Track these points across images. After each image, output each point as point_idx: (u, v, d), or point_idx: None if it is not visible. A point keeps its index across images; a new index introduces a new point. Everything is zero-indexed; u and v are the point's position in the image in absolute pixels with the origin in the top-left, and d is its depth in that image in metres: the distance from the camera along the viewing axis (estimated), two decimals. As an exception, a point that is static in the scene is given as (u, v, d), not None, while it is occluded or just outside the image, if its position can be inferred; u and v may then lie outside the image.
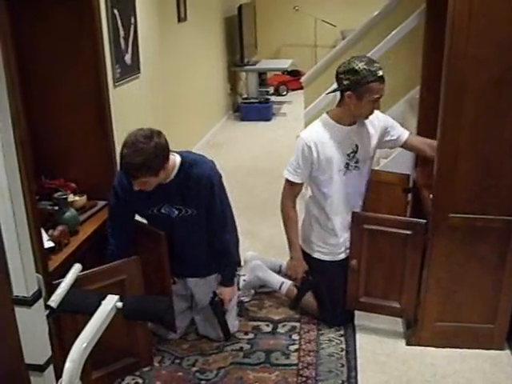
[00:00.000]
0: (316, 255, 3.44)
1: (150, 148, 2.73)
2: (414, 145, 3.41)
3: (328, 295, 3.46)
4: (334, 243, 3.39)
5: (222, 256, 3.25)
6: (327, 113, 3.29)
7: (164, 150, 2.82)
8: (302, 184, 3.33)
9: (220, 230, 3.18)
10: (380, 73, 3.03)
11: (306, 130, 3.31)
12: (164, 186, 2.97)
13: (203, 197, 3.04)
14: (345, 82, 3.07)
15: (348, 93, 3.07)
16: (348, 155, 3.24)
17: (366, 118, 3.23)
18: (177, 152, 3.04)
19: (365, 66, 3.01)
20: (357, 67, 3.02)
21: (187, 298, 3.43)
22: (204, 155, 3.21)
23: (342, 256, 3.40)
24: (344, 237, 3.37)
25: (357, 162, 3.27)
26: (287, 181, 3.31)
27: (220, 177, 3.12)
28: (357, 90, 3.04)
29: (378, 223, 3.21)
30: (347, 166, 3.25)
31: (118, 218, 3.07)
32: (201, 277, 3.33)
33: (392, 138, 3.40)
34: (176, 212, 3.08)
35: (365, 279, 3.31)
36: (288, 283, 3.70)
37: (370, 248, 3.25)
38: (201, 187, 3.01)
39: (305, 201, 3.50)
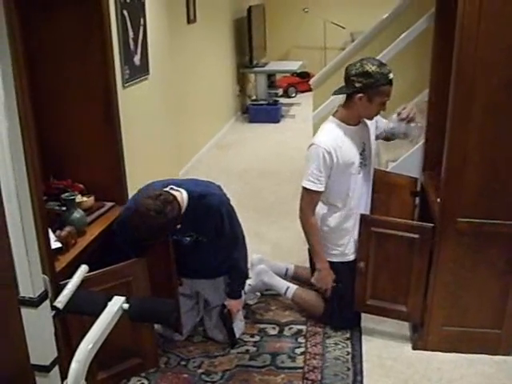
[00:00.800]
0: (328, 258, 3.41)
1: (160, 223, 2.75)
2: (384, 124, 3.45)
3: (336, 297, 3.45)
4: (345, 243, 3.38)
5: (231, 271, 3.32)
6: (333, 115, 3.28)
7: (174, 222, 2.83)
8: (321, 192, 3.26)
9: (230, 249, 3.24)
10: (391, 76, 3.04)
11: (319, 136, 3.24)
12: None
13: (213, 226, 3.11)
14: (357, 85, 3.06)
15: (359, 95, 3.07)
16: (361, 154, 3.27)
17: (371, 119, 3.26)
18: (182, 183, 3.08)
19: (377, 69, 3.02)
20: (370, 70, 3.02)
21: (193, 297, 3.44)
22: (210, 182, 3.25)
23: (352, 257, 3.40)
24: (354, 237, 3.37)
25: (365, 160, 3.30)
26: (308, 190, 3.23)
27: (228, 203, 3.16)
28: (368, 93, 3.05)
29: (386, 226, 3.20)
30: (361, 164, 3.27)
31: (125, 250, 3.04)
32: (208, 278, 3.36)
33: (380, 131, 3.44)
34: (188, 239, 3.14)
35: (372, 282, 3.31)
36: (293, 288, 3.69)
37: (377, 251, 3.24)
38: (210, 218, 3.07)
39: None
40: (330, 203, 3.34)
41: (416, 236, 3.12)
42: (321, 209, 3.38)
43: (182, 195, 2.98)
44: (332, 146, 3.15)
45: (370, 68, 3.02)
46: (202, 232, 3.14)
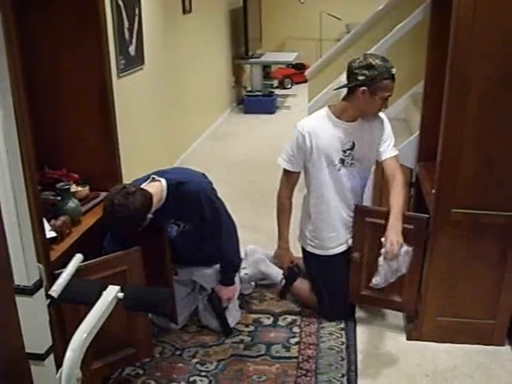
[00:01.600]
0: (308, 248, 3.46)
1: (126, 215, 2.74)
2: (386, 169, 3.29)
3: (325, 289, 3.47)
4: (324, 237, 3.36)
5: (220, 259, 3.33)
6: (329, 107, 3.26)
7: (141, 210, 2.81)
8: (298, 173, 3.31)
9: (214, 235, 3.25)
10: (394, 71, 3.02)
11: (303, 119, 3.31)
12: (156, 212, 2.98)
13: (196, 212, 3.11)
14: (360, 78, 3.01)
15: (362, 88, 3.02)
16: (344, 151, 3.20)
17: (373, 115, 3.20)
18: (165, 172, 3.09)
19: (381, 63, 3.00)
20: (374, 63, 2.99)
21: (188, 284, 3.46)
22: (193, 170, 3.25)
23: (334, 251, 3.38)
24: (337, 232, 3.35)
25: (352, 159, 3.23)
26: (283, 170, 3.32)
27: (209, 190, 3.15)
28: (371, 86, 3.01)
29: (380, 216, 3.20)
30: (342, 161, 3.22)
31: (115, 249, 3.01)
32: (203, 266, 3.41)
33: (379, 149, 3.28)
34: (175, 227, 3.18)
35: (367, 272, 3.30)
36: None
37: (371, 241, 3.24)
38: (190, 205, 3.07)
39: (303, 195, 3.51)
40: (310, 191, 3.36)
41: (410, 227, 3.12)
42: (305, 199, 3.43)
43: (161, 184, 3.00)
44: (308, 131, 3.18)
45: (374, 61, 3.00)
46: (185, 220, 3.16)
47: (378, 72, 2.98)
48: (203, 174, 3.21)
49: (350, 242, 3.36)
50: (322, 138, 3.17)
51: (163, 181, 3.01)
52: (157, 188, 2.95)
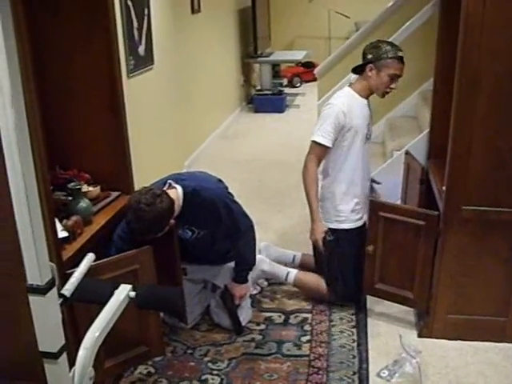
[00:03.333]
0: (333, 225, 3.46)
1: (152, 216, 2.78)
2: None
3: (339, 269, 3.49)
4: (351, 209, 3.44)
5: (236, 258, 3.37)
6: (350, 85, 3.44)
7: (167, 213, 2.86)
8: (329, 149, 3.36)
9: (233, 239, 3.28)
10: (400, 53, 3.26)
11: (334, 98, 3.40)
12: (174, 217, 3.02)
13: (212, 219, 3.14)
14: (368, 56, 3.31)
15: (369, 65, 3.29)
16: (367, 126, 3.42)
17: (381, 96, 3.38)
18: (180, 178, 3.12)
19: (388, 44, 3.31)
20: (381, 44, 3.31)
21: (199, 282, 3.47)
22: (209, 175, 3.28)
23: (357, 224, 3.48)
24: (362, 204, 3.47)
25: (369, 135, 3.47)
26: (316, 144, 3.34)
27: (225, 195, 3.18)
28: (377, 63, 3.26)
29: (393, 211, 3.26)
30: (366, 135, 3.42)
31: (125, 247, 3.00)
32: (215, 265, 3.43)
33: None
34: (189, 233, 3.19)
35: (380, 266, 3.34)
36: (294, 272, 3.73)
37: (385, 235, 3.30)
38: (205, 211, 3.10)
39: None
40: (336, 169, 3.41)
41: (422, 223, 3.14)
42: (326, 174, 3.48)
43: (177, 191, 3.02)
44: (347, 109, 3.31)
45: (382, 43, 3.33)
46: (200, 226, 3.18)
47: (383, 51, 3.27)
48: (219, 180, 3.24)
49: (366, 216, 3.48)
50: (356, 114, 3.34)
51: (179, 188, 3.04)
52: (174, 195, 2.98)
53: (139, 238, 2.86)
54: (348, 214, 3.44)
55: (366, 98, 3.42)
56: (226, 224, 3.17)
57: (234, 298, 3.36)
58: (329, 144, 3.32)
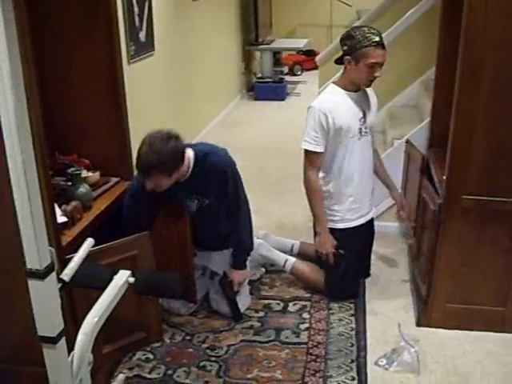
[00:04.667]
0: (329, 225, 3.42)
1: (166, 149, 2.84)
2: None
3: (338, 264, 3.45)
4: (347, 209, 3.39)
5: (234, 241, 3.35)
6: (334, 82, 3.36)
7: (180, 154, 2.94)
8: (323, 153, 3.28)
9: (233, 211, 3.27)
10: (375, 38, 3.10)
11: (316, 100, 3.32)
12: (182, 182, 3.07)
13: (218, 185, 3.14)
14: (344, 48, 3.18)
15: (346, 57, 3.18)
16: (359, 120, 3.29)
17: (366, 85, 3.28)
18: (191, 144, 3.17)
19: (361, 32, 3.12)
20: (353, 33, 3.14)
21: (199, 268, 3.45)
22: (216, 145, 3.28)
23: (355, 223, 3.44)
24: (360, 203, 3.42)
25: (366, 128, 3.33)
26: (308, 152, 3.29)
27: (234, 165, 3.19)
28: (353, 55, 3.13)
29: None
30: (360, 131, 3.30)
31: (133, 216, 3.12)
32: (215, 251, 3.42)
33: None
34: (196, 202, 3.19)
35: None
36: (292, 260, 3.73)
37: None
38: (216, 177, 3.11)
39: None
40: (326, 168, 3.36)
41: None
42: (320, 176, 3.40)
43: (188, 154, 3.05)
44: (328, 109, 3.21)
45: (354, 32, 3.14)
46: (206, 193, 3.18)
47: (356, 41, 3.11)
48: (226, 151, 3.23)
49: (372, 214, 3.49)
50: (342, 111, 3.24)
51: (191, 151, 3.07)
52: (185, 157, 3.01)
53: (147, 173, 2.88)
54: (343, 213, 3.40)
55: (355, 91, 3.29)
56: (229, 197, 3.18)
57: (232, 284, 3.36)
58: (319, 149, 3.25)
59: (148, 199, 3.09)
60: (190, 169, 3.07)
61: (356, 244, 3.44)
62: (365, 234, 3.51)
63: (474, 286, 3.14)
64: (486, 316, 3.19)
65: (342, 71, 3.31)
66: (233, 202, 3.23)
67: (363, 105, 3.33)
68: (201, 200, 3.19)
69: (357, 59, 3.13)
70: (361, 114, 3.30)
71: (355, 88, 3.28)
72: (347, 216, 3.41)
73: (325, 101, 3.27)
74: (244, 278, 3.42)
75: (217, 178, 3.12)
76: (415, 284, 3.59)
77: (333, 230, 3.42)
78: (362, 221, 3.47)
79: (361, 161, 3.35)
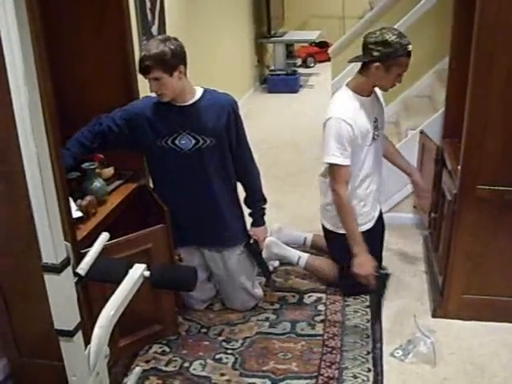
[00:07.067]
0: (339, 230, 3.36)
1: (167, 45, 2.81)
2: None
3: (349, 268, 3.42)
4: (357, 213, 3.30)
5: (250, 189, 3.29)
6: (347, 85, 3.21)
7: (181, 53, 2.88)
8: (348, 166, 3.14)
9: (246, 159, 3.21)
10: (410, 47, 2.96)
11: (335, 109, 3.13)
12: (184, 110, 2.98)
13: (223, 122, 3.00)
14: (375, 53, 2.98)
15: (376, 64, 2.99)
16: (373, 125, 3.22)
17: (386, 90, 3.21)
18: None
19: (397, 39, 2.94)
20: (389, 39, 2.94)
21: (205, 268, 3.40)
22: None
23: (365, 227, 3.37)
24: (369, 207, 3.38)
25: (378, 132, 3.27)
26: (335, 166, 3.12)
27: (238, 108, 3.13)
28: (386, 63, 2.98)
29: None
30: (374, 135, 3.23)
31: (105, 130, 3.00)
32: (217, 246, 3.29)
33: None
34: (192, 142, 3.00)
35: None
36: (305, 256, 3.69)
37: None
38: (222, 111, 3.00)
39: (319, 182, 3.49)
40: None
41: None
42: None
43: (196, 88, 3.05)
44: (352, 118, 3.07)
45: (390, 37, 2.94)
46: (210, 130, 2.99)
47: (392, 49, 2.94)
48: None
49: (376, 215, 3.44)
50: (360, 119, 3.13)
51: (200, 87, 3.07)
52: (192, 87, 3.03)
53: (147, 68, 2.82)
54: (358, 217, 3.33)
55: (368, 95, 3.18)
56: (239, 135, 3.10)
57: (258, 243, 3.34)
58: (347, 162, 3.11)
59: (139, 128, 3.00)
60: (197, 96, 3.00)
61: (367, 244, 3.30)
62: (374, 230, 3.45)
63: (490, 276, 3.12)
64: (503, 307, 3.18)
65: (358, 74, 3.16)
66: (238, 145, 3.11)
67: (375, 109, 3.25)
68: (199, 140, 3.00)
69: (389, 67, 2.99)
70: (374, 118, 3.22)
71: (369, 93, 3.20)
72: (358, 221, 3.29)
73: (346, 110, 3.10)
74: (265, 233, 3.40)
75: (223, 114, 2.99)
76: (432, 275, 3.58)
77: (344, 236, 3.31)
78: (372, 223, 3.43)
79: (373, 165, 3.29)
